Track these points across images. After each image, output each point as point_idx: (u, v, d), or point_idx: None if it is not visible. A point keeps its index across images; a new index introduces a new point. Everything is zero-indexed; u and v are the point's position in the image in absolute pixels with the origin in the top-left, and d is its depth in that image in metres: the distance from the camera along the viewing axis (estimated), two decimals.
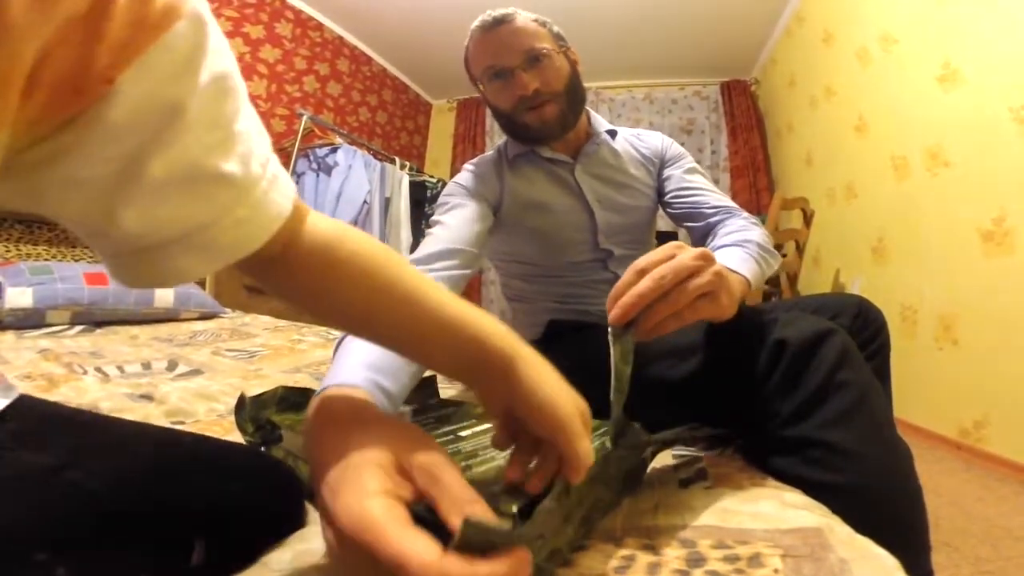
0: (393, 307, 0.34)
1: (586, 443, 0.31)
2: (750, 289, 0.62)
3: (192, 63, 0.23)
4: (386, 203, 3.10)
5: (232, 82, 0.26)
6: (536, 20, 0.83)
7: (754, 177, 3.64)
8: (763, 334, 0.55)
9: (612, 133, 0.94)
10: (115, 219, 0.24)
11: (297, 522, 0.39)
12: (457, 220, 0.79)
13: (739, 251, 0.69)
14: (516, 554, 0.23)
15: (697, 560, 0.33)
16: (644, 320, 0.45)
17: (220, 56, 0.25)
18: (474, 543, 0.22)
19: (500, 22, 0.80)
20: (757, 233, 0.75)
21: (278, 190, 0.29)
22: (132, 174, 0.23)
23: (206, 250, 0.27)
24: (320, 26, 3.40)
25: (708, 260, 0.48)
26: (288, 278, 0.34)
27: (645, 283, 0.45)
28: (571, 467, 0.31)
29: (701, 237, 0.86)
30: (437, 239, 0.74)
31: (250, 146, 0.27)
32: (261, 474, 0.38)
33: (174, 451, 0.36)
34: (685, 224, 0.90)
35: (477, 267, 0.78)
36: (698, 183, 0.90)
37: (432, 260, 0.70)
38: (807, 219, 2.47)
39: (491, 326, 0.34)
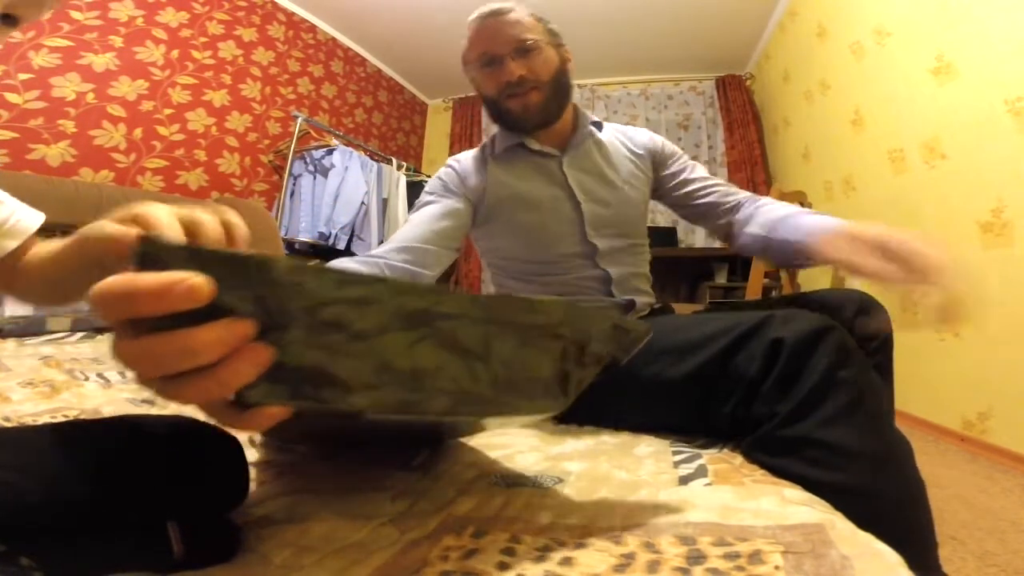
0: (43, 268, 0.52)
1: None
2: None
3: None
4: (384, 204, 3.10)
5: None
6: (533, 15, 0.86)
7: (752, 171, 3.64)
8: (760, 332, 0.55)
9: (598, 126, 0.96)
10: None
11: (244, 490, 0.38)
12: (420, 218, 0.85)
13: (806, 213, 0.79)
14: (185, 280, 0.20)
15: (697, 558, 0.33)
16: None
17: None
18: (148, 258, 0.21)
19: (498, 13, 0.84)
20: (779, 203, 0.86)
21: (25, 216, 0.55)
22: None
23: (9, 234, 0.53)
24: (313, 28, 3.40)
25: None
26: (19, 278, 0.54)
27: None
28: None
29: (717, 218, 0.92)
30: (397, 236, 0.83)
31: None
32: (204, 442, 0.36)
33: (103, 436, 0.34)
34: (703, 212, 0.93)
35: (438, 264, 0.84)
36: (712, 178, 0.96)
37: (388, 254, 0.79)
38: None
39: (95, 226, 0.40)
